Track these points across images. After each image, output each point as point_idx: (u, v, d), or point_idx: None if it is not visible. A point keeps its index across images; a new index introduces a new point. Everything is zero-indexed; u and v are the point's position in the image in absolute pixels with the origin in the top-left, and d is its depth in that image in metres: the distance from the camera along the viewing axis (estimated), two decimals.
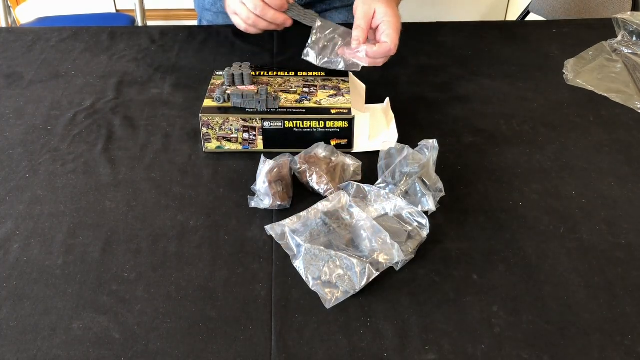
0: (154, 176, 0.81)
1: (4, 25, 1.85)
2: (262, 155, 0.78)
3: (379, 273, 0.66)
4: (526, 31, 1.20)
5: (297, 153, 0.80)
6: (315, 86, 0.87)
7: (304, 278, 0.66)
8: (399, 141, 0.80)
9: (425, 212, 0.73)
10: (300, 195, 0.78)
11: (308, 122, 0.81)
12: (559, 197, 0.78)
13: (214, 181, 0.81)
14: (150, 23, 2.01)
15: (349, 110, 0.82)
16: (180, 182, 0.80)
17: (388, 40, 0.82)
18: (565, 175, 0.82)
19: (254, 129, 0.82)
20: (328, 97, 0.84)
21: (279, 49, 1.11)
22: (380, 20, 0.83)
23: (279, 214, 0.75)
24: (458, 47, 1.13)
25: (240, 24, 0.91)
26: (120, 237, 0.72)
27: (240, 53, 1.11)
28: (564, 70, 1.05)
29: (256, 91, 0.82)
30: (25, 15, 2.05)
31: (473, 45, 1.14)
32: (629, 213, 0.76)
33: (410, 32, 1.18)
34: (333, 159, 0.79)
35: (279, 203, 0.74)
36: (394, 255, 0.67)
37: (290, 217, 0.73)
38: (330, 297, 0.64)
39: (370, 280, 0.65)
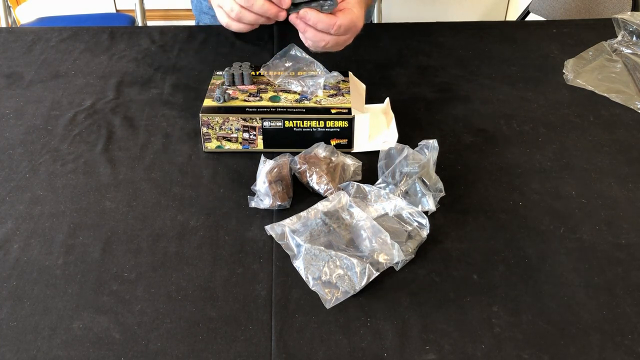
0: (154, 176, 0.81)
1: (4, 25, 1.85)
2: (262, 155, 0.78)
3: (379, 273, 0.66)
4: (526, 31, 1.20)
5: (297, 153, 0.80)
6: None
7: (304, 278, 0.66)
8: (399, 141, 0.80)
9: (425, 212, 0.73)
10: (300, 195, 0.78)
11: (308, 121, 0.81)
12: (559, 197, 0.78)
13: (214, 181, 0.80)
14: (150, 23, 2.01)
15: (349, 110, 0.82)
16: (180, 182, 0.80)
17: (340, 18, 0.77)
18: (565, 175, 0.82)
19: (254, 128, 0.82)
20: (328, 96, 0.84)
21: (279, 49, 1.11)
22: (344, 6, 0.80)
23: (279, 214, 0.75)
24: (458, 47, 1.13)
25: (223, 18, 0.80)
26: (120, 237, 0.72)
27: (240, 53, 1.11)
28: (564, 70, 1.05)
29: None
30: (25, 15, 2.05)
31: (473, 45, 1.14)
32: (629, 213, 0.76)
33: (411, 32, 1.18)
34: (333, 159, 0.79)
35: (279, 203, 0.74)
36: (394, 255, 0.67)
37: (290, 217, 0.73)
38: (330, 297, 0.64)
39: (370, 280, 0.65)
